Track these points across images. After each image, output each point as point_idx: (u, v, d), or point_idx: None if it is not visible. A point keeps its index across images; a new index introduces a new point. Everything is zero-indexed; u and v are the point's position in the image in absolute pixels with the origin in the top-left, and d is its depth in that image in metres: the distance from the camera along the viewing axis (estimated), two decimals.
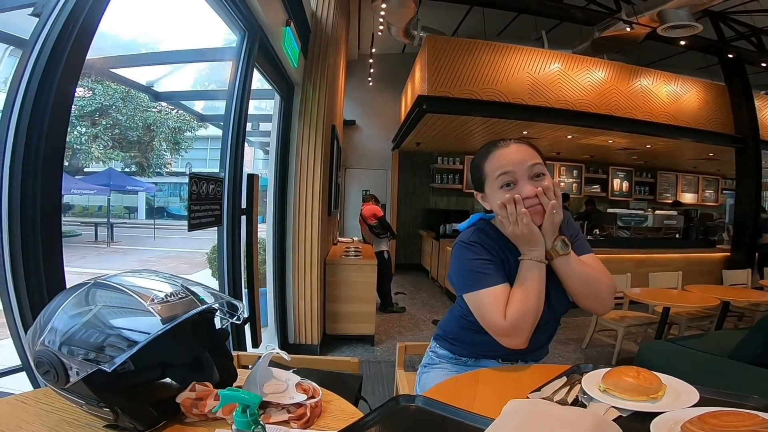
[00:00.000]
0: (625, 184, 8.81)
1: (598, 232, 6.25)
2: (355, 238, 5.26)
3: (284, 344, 3.32)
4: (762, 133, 5.84)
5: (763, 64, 5.76)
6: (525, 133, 5.75)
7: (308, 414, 0.78)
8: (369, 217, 4.99)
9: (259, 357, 0.88)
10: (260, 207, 2.66)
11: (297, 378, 0.89)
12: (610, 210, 7.05)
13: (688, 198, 9.04)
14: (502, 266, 1.04)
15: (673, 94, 5.57)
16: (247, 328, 2.52)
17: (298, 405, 0.80)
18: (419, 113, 4.96)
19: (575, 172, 8.51)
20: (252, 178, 2.48)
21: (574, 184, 8.49)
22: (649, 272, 3.76)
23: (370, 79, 7.52)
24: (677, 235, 6.59)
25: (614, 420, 0.76)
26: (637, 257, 5.29)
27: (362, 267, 3.73)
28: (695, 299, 3.08)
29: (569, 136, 6.07)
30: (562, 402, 0.84)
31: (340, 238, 5.36)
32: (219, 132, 2.52)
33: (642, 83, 5.39)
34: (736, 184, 6.21)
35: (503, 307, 0.98)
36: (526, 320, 0.97)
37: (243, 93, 2.26)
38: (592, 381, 0.89)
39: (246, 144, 2.39)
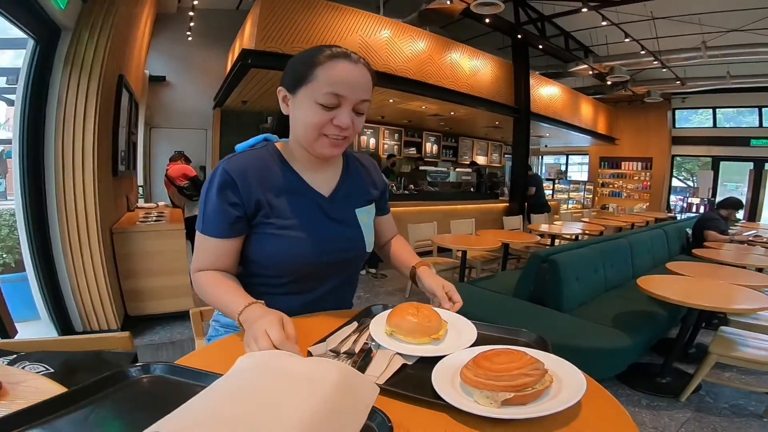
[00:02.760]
0: (435, 148, 10.26)
1: (413, 187, 7.04)
2: (162, 203, 4.49)
3: (69, 334, 2.59)
4: (532, 107, 7.31)
5: (540, 47, 7.13)
6: None
7: None
8: (177, 178, 4.40)
9: None
10: None
11: None
12: (422, 168, 8.13)
13: (481, 160, 11.00)
14: (255, 210, 0.85)
15: (474, 68, 6.43)
16: None
17: None
18: (243, 67, 4.62)
19: (396, 136, 9.45)
20: None
21: (395, 146, 9.39)
22: (451, 220, 4.35)
23: (189, 33, 6.67)
24: (472, 189, 8.01)
25: (399, 370, 0.71)
26: (443, 208, 6.11)
27: (164, 234, 3.11)
28: (485, 242, 3.65)
29: (391, 100, 6.48)
30: (349, 353, 0.75)
31: (144, 204, 4.50)
32: None
33: (452, 56, 6.04)
34: (513, 149, 7.69)
35: (210, 262, 0.86)
36: (200, 291, 0.87)
37: None
38: (380, 324, 0.83)
39: None
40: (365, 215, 0.98)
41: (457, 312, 0.90)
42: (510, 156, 8.17)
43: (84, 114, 2.56)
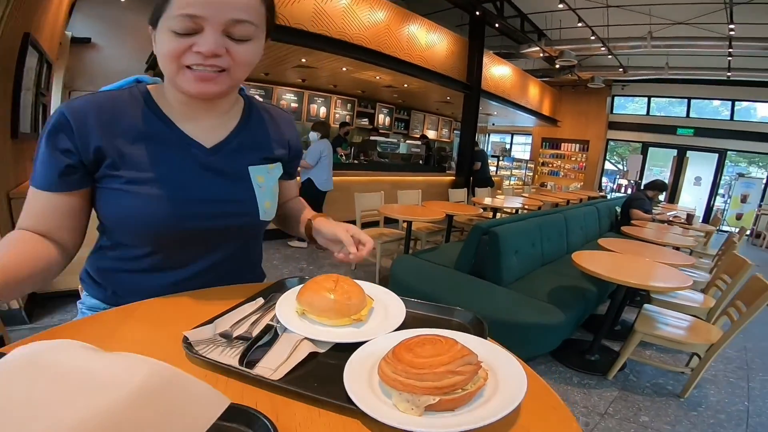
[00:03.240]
0: (388, 120, 10.09)
1: (363, 157, 6.91)
2: None
3: None
4: (483, 85, 7.33)
5: (497, 26, 7.10)
6: (303, 60, 5.71)
7: None
8: None
9: None
10: None
11: None
12: (373, 138, 7.97)
13: (431, 134, 11.04)
14: (95, 159, 0.67)
15: (431, 42, 6.29)
16: None
17: None
18: None
19: (349, 106, 9.10)
20: None
21: (348, 116, 9.04)
22: (398, 191, 4.27)
23: None
24: (420, 162, 8.06)
25: (306, 359, 0.57)
26: (391, 179, 6.05)
27: None
28: (431, 213, 3.61)
29: (344, 68, 6.19)
30: (245, 336, 0.60)
31: None
32: None
33: (410, 29, 5.87)
34: (462, 124, 7.73)
35: (33, 220, 0.66)
36: None
37: None
38: (289, 302, 0.68)
39: None
40: (262, 175, 0.79)
41: (387, 287, 0.77)
42: (459, 132, 8.23)
43: None
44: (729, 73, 8.09)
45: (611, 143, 11.59)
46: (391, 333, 0.62)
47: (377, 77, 6.77)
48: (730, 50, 6.79)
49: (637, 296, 3.27)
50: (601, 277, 2.10)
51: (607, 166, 11.75)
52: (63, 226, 0.68)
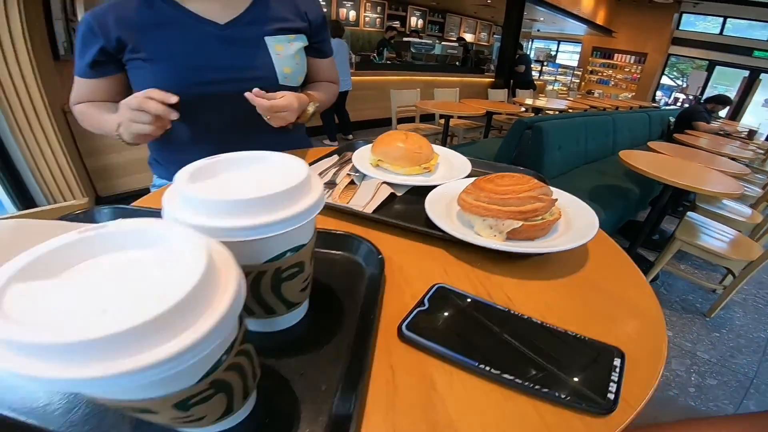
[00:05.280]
0: (420, 22, 9.40)
1: (396, 57, 6.59)
2: None
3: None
4: None
5: None
6: None
7: None
8: None
9: None
10: None
11: None
12: (405, 39, 7.47)
13: (468, 38, 10.23)
14: (118, 47, 0.77)
15: None
16: None
17: None
18: None
19: (379, 9, 8.53)
20: None
21: (378, 20, 8.54)
22: (435, 89, 4.11)
23: None
24: (457, 63, 7.60)
25: (387, 199, 0.62)
26: (425, 79, 5.77)
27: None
28: (469, 109, 3.47)
29: None
30: (330, 183, 0.65)
31: None
32: None
33: None
34: (503, 29, 7.13)
35: (86, 97, 0.83)
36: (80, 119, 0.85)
37: None
38: (365, 155, 0.73)
39: None
40: (281, 44, 0.83)
41: None
42: (499, 37, 7.60)
43: (5, 5, 2.28)
44: None
45: (672, 58, 10.60)
46: (461, 179, 0.66)
47: None
48: None
49: (680, 206, 3.18)
50: (647, 175, 2.00)
51: (665, 80, 10.82)
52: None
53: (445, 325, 0.38)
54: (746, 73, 9.39)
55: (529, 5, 6.91)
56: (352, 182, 0.67)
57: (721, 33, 9.76)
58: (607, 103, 6.44)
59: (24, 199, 2.64)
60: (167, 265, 0.21)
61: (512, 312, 0.41)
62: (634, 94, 10.71)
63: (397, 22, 8.90)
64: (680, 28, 10.21)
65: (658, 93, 10.82)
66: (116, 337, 0.16)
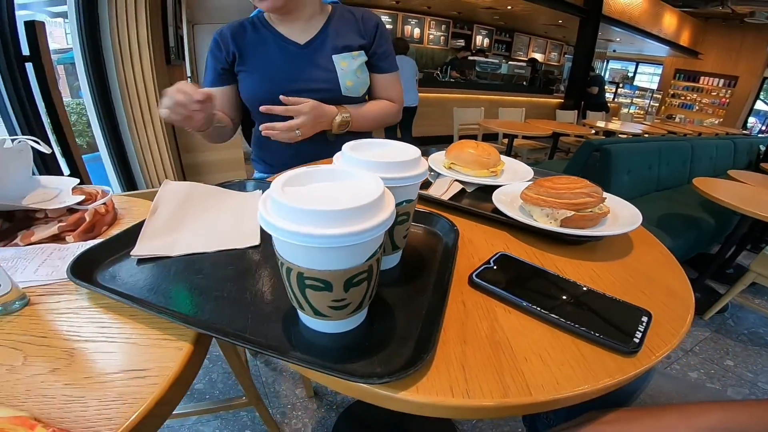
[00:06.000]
0: (486, 41, 9.40)
1: (459, 76, 6.70)
2: None
3: None
4: (605, 10, 6.46)
5: None
6: None
7: (88, 219, 0.58)
8: None
9: None
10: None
11: (74, 181, 0.66)
12: (471, 57, 7.55)
13: (537, 58, 9.98)
14: (232, 60, 1.03)
15: None
16: None
17: (73, 211, 0.59)
18: None
19: (443, 27, 8.68)
20: (33, 25, 1.92)
21: (442, 38, 8.70)
22: (500, 108, 4.15)
23: None
24: (524, 83, 7.53)
25: (458, 193, 0.75)
26: (490, 98, 5.84)
27: None
28: (534, 129, 3.49)
29: None
30: None
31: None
32: None
33: None
34: (575, 49, 7.01)
35: None
36: None
37: None
38: (438, 159, 0.87)
39: None
40: (345, 61, 1.03)
41: None
42: (571, 57, 7.44)
43: (135, 9, 2.68)
44: None
45: None
46: (525, 182, 0.77)
47: None
48: None
49: (762, 242, 2.94)
50: (721, 204, 1.91)
51: (760, 106, 9.83)
52: (226, 109, 1.07)
53: (505, 279, 0.50)
54: None
55: (605, 25, 6.74)
56: (427, 180, 0.81)
57: None
58: (689, 128, 6.04)
59: (129, 182, 3.05)
60: (361, 185, 0.36)
61: (561, 276, 0.52)
62: (721, 120, 9.82)
63: (462, 40, 9.00)
64: None
65: (751, 119, 9.85)
66: (348, 211, 0.31)
